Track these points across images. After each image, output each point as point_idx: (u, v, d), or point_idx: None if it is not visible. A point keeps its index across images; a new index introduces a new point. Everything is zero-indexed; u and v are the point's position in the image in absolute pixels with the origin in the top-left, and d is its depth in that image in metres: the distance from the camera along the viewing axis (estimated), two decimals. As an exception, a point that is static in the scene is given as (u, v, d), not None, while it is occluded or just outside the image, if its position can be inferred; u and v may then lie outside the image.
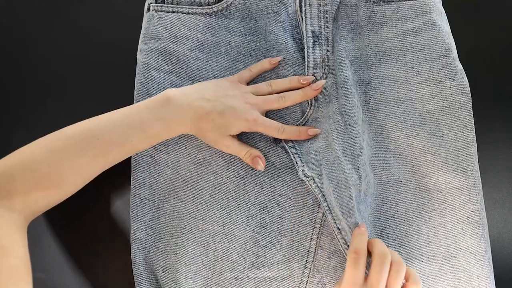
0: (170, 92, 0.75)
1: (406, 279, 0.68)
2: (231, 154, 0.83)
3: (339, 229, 0.77)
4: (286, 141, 0.82)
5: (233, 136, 0.79)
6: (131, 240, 0.81)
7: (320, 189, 0.79)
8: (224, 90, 0.78)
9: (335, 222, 0.78)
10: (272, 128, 0.79)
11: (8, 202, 0.64)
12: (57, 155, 0.67)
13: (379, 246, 0.69)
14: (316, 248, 0.81)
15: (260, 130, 0.79)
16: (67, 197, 0.71)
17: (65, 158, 0.68)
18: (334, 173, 0.80)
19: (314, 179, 0.80)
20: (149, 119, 0.72)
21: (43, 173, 0.66)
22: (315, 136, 0.82)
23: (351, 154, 0.80)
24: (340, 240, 0.77)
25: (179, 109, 0.74)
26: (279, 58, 0.84)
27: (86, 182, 0.72)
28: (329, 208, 0.78)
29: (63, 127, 0.95)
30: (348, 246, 0.76)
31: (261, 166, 0.80)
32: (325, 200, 0.79)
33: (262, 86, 0.82)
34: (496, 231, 0.91)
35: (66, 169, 0.68)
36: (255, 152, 0.80)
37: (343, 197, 0.78)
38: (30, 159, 0.66)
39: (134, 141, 0.72)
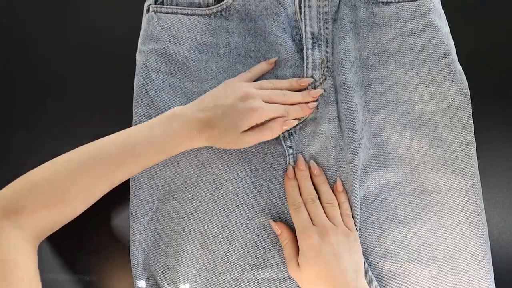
0: (176, 108, 0.75)
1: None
2: (229, 156, 0.83)
3: None
4: (285, 139, 0.82)
5: (246, 130, 0.77)
6: (130, 241, 0.81)
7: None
8: (221, 92, 0.77)
9: None
10: (280, 111, 0.78)
11: (17, 219, 0.64)
12: (65, 174, 0.68)
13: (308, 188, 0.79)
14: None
15: (270, 115, 0.77)
16: (77, 215, 0.71)
17: (72, 177, 0.68)
18: (329, 179, 0.81)
19: None
20: (156, 135, 0.73)
21: (50, 192, 0.67)
22: (313, 138, 0.82)
23: (345, 160, 0.80)
24: None
25: (183, 122, 0.73)
26: (275, 59, 0.84)
27: (96, 200, 0.72)
28: None
29: (63, 127, 0.96)
30: None
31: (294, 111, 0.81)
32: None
33: (265, 83, 0.81)
34: (495, 232, 0.91)
35: (73, 188, 0.68)
36: (275, 122, 0.79)
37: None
38: (38, 179, 0.67)
39: (142, 157, 0.72)
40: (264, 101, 0.77)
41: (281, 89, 0.82)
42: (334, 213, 0.77)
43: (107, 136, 0.74)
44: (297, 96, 0.81)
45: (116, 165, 0.71)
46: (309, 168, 0.82)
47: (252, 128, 0.77)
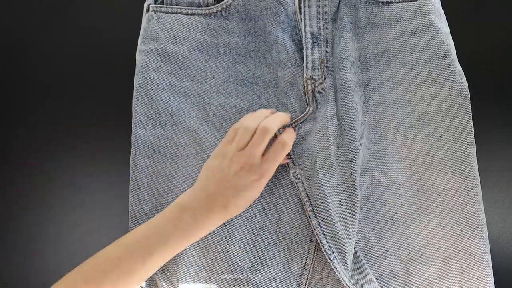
0: (180, 200, 0.76)
1: None
2: None
3: (324, 234, 0.79)
4: None
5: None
6: None
7: (307, 192, 0.80)
8: (221, 173, 0.76)
9: (320, 227, 0.79)
10: (279, 158, 0.78)
11: None
12: (87, 280, 0.71)
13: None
14: (316, 250, 0.81)
15: (272, 170, 0.77)
16: None
17: (94, 281, 0.71)
18: (327, 178, 0.80)
19: (302, 182, 0.81)
20: (172, 233, 0.74)
21: None
22: (310, 136, 0.82)
23: (345, 159, 0.80)
24: (325, 245, 0.78)
25: (194, 215, 0.74)
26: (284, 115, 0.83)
27: None
28: (314, 213, 0.80)
29: (63, 127, 0.97)
30: (333, 251, 0.78)
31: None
32: (311, 205, 0.80)
33: (242, 135, 0.77)
34: (495, 232, 0.92)
35: None
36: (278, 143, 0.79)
37: (334, 203, 0.79)
38: (63, 285, 0.71)
39: (169, 252, 0.74)
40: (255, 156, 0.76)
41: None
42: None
43: (123, 236, 0.76)
44: (279, 120, 0.79)
45: (135, 264, 0.72)
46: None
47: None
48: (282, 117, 0.80)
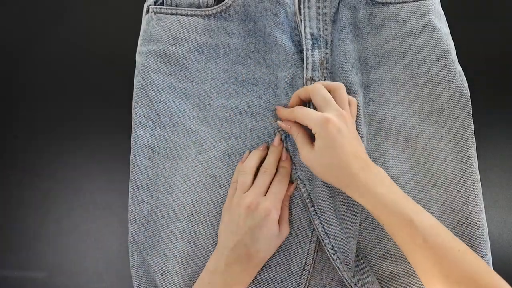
0: (208, 268, 0.76)
1: None
2: (229, 158, 0.83)
3: (326, 234, 0.79)
4: (282, 141, 0.82)
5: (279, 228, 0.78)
6: (129, 242, 0.81)
7: (309, 193, 0.80)
8: (233, 223, 0.76)
9: (323, 227, 0.79)
10: (283, 188, 0.79)
11: None
12: None
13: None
14: (316, 250, 0.81)
15: (279, 202, 0.78)
16: None
17: None
18: None
19: (304, 183, 0.81)
20: None
21: None
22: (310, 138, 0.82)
23: None
24: (327, 245, 0.78)
25: (223, 277, 0.74)
26: (264, 145, 0.83)
27: None
28: (316, 213, 0.79)
29: (63, 127, 0.97)
30: (335, 251, 0.78)
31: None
32: (313, 205, 0.80)
33: (242, 181, 0.79)
34: (496, 231, 0.92)
35: None
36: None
37: (336, 203, 0.79)
38: None
39: None
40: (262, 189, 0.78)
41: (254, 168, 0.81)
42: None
43: None
44: (274, 159, 0.81)
45: None
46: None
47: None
48: (275, 153, 0.81)
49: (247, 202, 0.75)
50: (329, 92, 0.76)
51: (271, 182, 0.79)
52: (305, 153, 0.75)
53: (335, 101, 0.75)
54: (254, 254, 0.74)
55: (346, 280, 0.78)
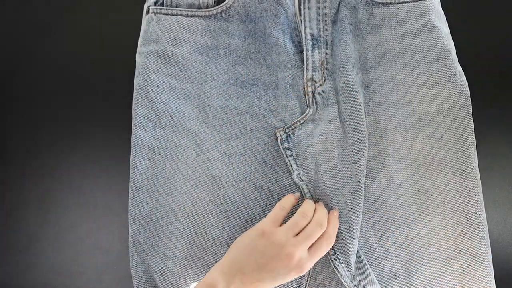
0: (212, 280, 0.71)
1: None
2: (229, 158, 0.83)
3: None
4: (282, 141, 0.83)
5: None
6: (129, 243, 0.81)
7: (312, 194, 0.81)
8: (263, 254, 0.72)
9: None
10: (322, 253, 0.76)
11: None
12: None
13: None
14: None
15: (312, 264, 0.75)
16: None
17: None
18: (332, 180, 0.81)
19: (307, 184, 0.81)
20: None
21: None
22: (313, 139, 0.82)
23: (350, 161, 0.80)
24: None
25: None
26: (298, 195, 0.81)
27: None
28: None
29: (63, 127, 0.97)
30: (335, 252, 0.79)
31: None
32: None
33: (298, 220, 0.75)
34: (496, 231, 0.92)
35: None
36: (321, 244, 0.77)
37: (339, 204, 0.80)
38: None
39: None
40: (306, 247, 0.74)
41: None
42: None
43: None
44: (325, 216, 0.78)
45: None
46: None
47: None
48: (325, 212, 0.79)
49: (293, 254, 0.71)
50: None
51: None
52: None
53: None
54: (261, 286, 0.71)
55: (344, 280, 0.78)
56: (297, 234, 0.74)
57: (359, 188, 0.79)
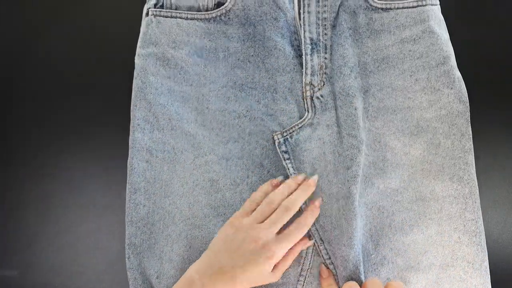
0: (191, 274, 0.74)
1: None
2: (227, 162, 0.83)
3: (321, 240, 0.80)
4: (280, 145, 0.83)
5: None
6: (126, 245, 0.81)
7: (306, 200, 0.81)
8: (232, 240, 0.75)
9: (319, 233, 0.80)
10: (292, 238, 0.76)
11: None
12: None
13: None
14: (313, 255, 0.81)
15: (285, 250, 0.75)
16: None
17: None
18: (327, 185, 0.81)
19: None
20: None
21: None
22: (310, 143, 0.82)
23: (343, 166, 0.80)
24: (322, 250, 0.80)
25: None
26: (280, 179, 0.82)
27: None
28: None
29: (63, 128, 0.97)
30: (330, 257, 0.80)
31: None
32: None
33: (264, 209, 0.77)
34: (496, 231, 0.92)
35: None
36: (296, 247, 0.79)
37: (332, 209, 0.80)
38: None
39: None
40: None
41: (281, 202, 0.79)
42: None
43: None
44: (299, 199, 0.79)
45: None
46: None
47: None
48: (306, 192, 0.80)
49: (258, 236, 0.74)
50: None
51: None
52: None
53: None
54: (237, 281, 0.72)
55: (339, 286, 0.78)
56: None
57: (350, 194, 0.78)
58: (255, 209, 0.78)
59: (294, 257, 0.78)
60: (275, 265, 0.75)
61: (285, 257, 0.76)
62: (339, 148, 0.81)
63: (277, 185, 0.81)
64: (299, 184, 0.81)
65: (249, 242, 0.73)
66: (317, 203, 0.80)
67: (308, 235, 0.81)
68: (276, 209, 0.77)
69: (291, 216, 0.76)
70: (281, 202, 0.77)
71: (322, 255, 0.79)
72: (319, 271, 0.80)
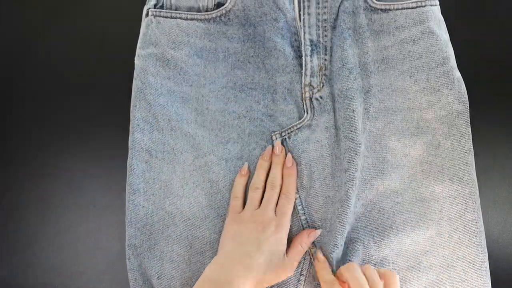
0: (205, 274, 0.74)
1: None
2: (226, 163, 0.83)
3: (314, 244, 0.81)
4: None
5: (286, 252, 0.78)
6: (126, 246, 0.81)
7: (301, 200, 0.82)
8: (241, 234, 0.77)
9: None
10: (286, 209, 0.79)
11: None
12: None
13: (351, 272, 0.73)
14: (311, 255, 0.81)
15: (285, 222, 0.78)
16: None
17: None
18: (324, 187, 0.81)
19: (297, 190, 0.82)
20: None
21: None
22: (308, 145, 0.83)
23: (340, 169, 0.80)
24: (314, 253, 0.80)
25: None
26: (246, 166, 0.84)
27: None
28: (307, 222, 0.82)
29: (63, 128, 0.97)
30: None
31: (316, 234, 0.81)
32: (304, 213, 0.82)
33: (253, 196, 0.81)
34: (496, 231, 0.92)
35: None
36: (309, 240, 0.80)
37: (328, 212, 0.81)
38: None
39: None
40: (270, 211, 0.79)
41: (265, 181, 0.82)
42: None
43: None
44: (278, 172, 0.82)
45: None
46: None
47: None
48: (279, 162, 0.82)
49: (260, 219, 0.77)
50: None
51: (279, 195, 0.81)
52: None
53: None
54: (255, 267, 0.73)
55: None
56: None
57: (346, 197, 0.79)
58: (241, 203, 0.81)
59: (305, 245, 0.80)
60: (287, 252, 0.77)
61: (295, 244, 0.79)
62: (336, 150, 0.81)
63: (247, 172, 0.83)
64: (270, 160, 0.83)
65: (255, 228, 0.76)
66: (289, 163, 0.82)
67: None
68: (263, 192, 0.81)
69: (279, 188, 0.81)
70: (264, 183, 0.81)
71: (314, 258, 0.80)
72: (315, 257, 0.80)
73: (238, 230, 0.77)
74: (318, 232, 0.81)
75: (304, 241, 0.79)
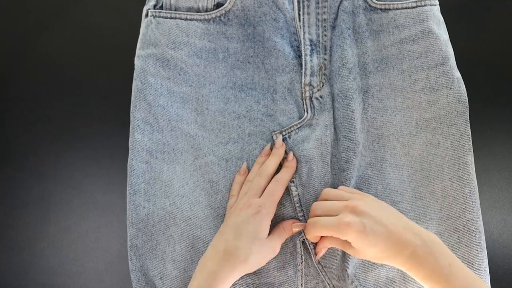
0: (203, 267, 0.73)
1: None
2: (227, 163, 0.83)
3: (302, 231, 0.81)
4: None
5: (269, 235, 0.77)
6: (128, 246, 0.81)
7: (299, 198, 0.81)
8: (234, 225, 0.75)
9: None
10: (273, 193, 0.78)
11: None
12: None
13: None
14: (304, 252, 0.81)
15: (269, 204, 0.76)
16: None
17: None
18: (323, 186, 0.81)
19: (297, 187, 0.81)
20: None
21: None
22: (308, 143, 0.82)
23: (338, 168, 0.81)
24: (312, 250, 0.80)
25: (217, 279, 0.71)
26: (244, 165, 0.84)
27: None
28: (305, 219, 0.81)
29: (63, 128, 0.97)
30: (319, 261, 0.81)
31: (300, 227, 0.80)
32: (302, 210, 0.81)
33: (245, 189, 0.80)
34: (496, 231, 0.92)
35: None
36: (292, 228, 0.79)
37: None
38: None
39: None
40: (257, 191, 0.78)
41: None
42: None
43: None
44: (273, 162, 0.81)
45: None
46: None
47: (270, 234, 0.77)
48: (277, 156, 0.82)
49: (240, 204, 0.76)
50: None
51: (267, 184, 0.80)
52: (355, 254, 0.73)
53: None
54: (233, 252, 0.72)
55: (328, 284, 0.80)
56: None
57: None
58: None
59: (287, 230, 0.79)
60: (270, 234, 0.76)
61: (278, 226, 0.79)
62: (334, 149, 0.82)
63: (246, 172, 0.83)
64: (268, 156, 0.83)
65: (234, 214, 0.76)
66: (290, 157, 0.82)
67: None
68: None
69: (267, 179, 0.79)
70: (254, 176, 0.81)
71: (312, 254, 0.80)
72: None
73: (230, 220, 0.76)
74: (304, 224, 0.80)
75: (286, 226, 0.79)
